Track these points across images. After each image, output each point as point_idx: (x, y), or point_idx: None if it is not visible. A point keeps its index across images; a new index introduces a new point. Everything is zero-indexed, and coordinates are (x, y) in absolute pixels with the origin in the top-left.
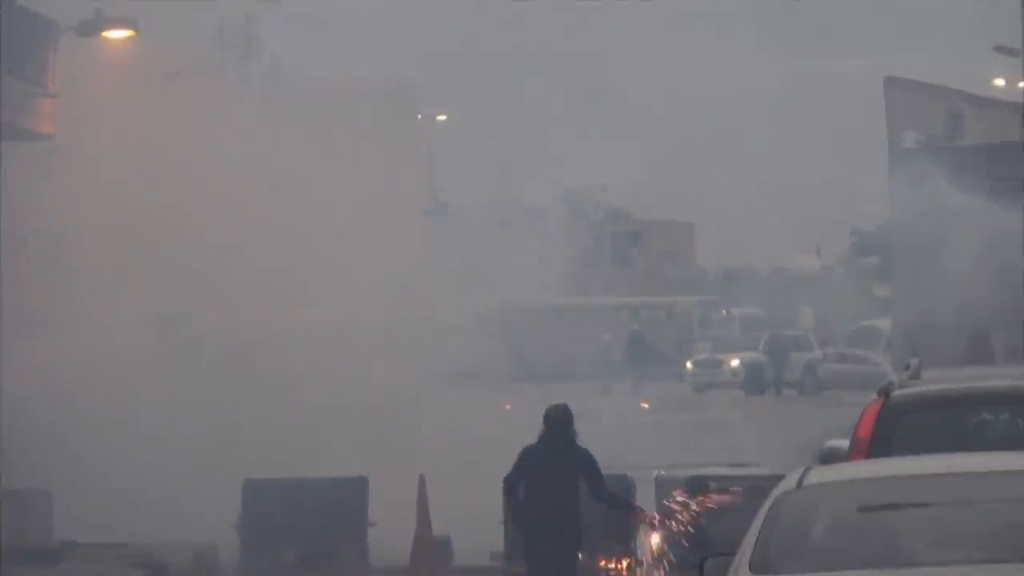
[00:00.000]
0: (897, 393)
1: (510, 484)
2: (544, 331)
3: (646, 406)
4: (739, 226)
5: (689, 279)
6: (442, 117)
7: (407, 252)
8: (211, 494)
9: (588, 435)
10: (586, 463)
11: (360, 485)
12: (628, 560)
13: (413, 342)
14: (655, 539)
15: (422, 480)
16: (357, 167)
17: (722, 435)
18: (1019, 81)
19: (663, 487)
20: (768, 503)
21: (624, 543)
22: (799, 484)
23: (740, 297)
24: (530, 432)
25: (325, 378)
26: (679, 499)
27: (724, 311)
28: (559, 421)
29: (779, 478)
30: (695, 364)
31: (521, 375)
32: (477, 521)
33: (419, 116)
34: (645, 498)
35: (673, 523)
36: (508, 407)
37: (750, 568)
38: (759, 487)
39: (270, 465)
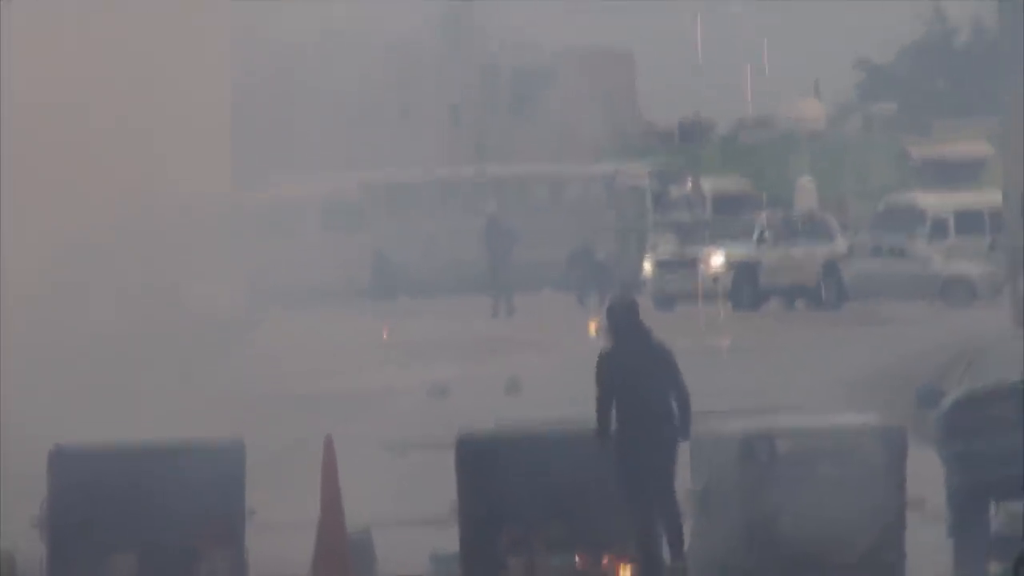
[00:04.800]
0: None
1: (604, 411)
2: (418, 220)
3: (593, 329)
4: (697, 58)
5: (629, 138)
6: None
7: (209, 103)
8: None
9: (533, 387)
10: (670, 364)
11: (232, 453)
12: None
13: (231, 240)
14: None
15: (329, 445)
16: None
17: (721, 372)
18: None
19: (704, 445)
20: None
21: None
22: None
23: (705, 163)
24: (428, 368)
25: (120, 295)
26: None
27: (689, 183)
28: (629, 315)
29: (888, 431)
30: (658, 266)
31: (386, 288)
32: (400, 509)
33: None
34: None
35: None
36: (386, 335)
37: None
38: (855, 446)
39: (77, 426)
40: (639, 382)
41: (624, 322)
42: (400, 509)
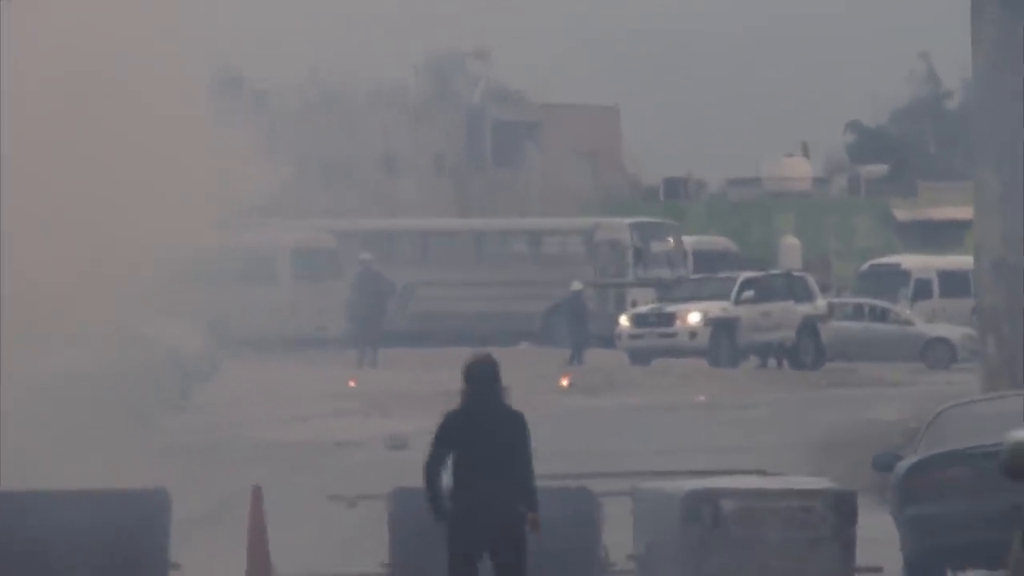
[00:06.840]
0: None
1: (433, 470)
2: (394, 270)
3: (565, 383)
4: (685, 116)
5: (613, 193)
6: None
7: (185, 147)
8: None
9: None
10: (520, 432)
11: (157, 504)
12: None
13: (197, 286)
14: None
15: (257, 494)
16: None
17: (693, 429)
18: None
19: (647, 505)
20: None
21: None
22: None
23: (690, 220)
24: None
25: (78, 338)
26: None
27: (669, 239)
28: (485, 376)
29: (838, 496)
30: (635, 321)
31: (359, 336)
32: (335, 562)
33: None
34: (619, 519)
35: None
36: (353, 383)
37: None
38: (803, 510)
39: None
40: (481, 447)
41: (476, 381)
42: (335, 563)
